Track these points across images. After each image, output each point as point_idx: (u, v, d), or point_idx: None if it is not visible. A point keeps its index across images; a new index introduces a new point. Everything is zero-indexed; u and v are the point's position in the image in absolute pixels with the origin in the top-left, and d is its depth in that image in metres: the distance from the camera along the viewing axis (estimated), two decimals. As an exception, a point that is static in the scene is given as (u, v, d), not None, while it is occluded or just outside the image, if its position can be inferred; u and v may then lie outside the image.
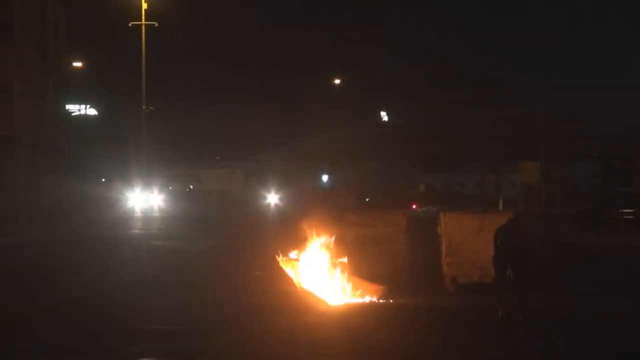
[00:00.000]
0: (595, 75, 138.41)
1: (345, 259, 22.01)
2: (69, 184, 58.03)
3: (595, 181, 72.53)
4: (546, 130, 78.07)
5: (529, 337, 16.66)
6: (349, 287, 21.30)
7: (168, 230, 45.52)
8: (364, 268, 21.91)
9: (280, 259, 22.24)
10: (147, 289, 22.51)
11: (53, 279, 24.84)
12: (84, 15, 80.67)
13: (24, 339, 16.32)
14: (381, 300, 20.71)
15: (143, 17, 67.12)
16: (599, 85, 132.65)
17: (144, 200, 67.54)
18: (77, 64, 69.31)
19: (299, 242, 22.35)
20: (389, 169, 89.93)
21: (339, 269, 21.72)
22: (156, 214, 63.20)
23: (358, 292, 21.15)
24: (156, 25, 67.25)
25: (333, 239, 22.25)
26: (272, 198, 72.97)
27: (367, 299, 20.90)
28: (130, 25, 67.57)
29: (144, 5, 67.06)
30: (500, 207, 65.25)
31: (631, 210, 46.55)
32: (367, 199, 66.95)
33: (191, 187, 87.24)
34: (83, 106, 75.09)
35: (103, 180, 75.72)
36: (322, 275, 21.73)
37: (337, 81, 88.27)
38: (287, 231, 24.07)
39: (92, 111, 78.42)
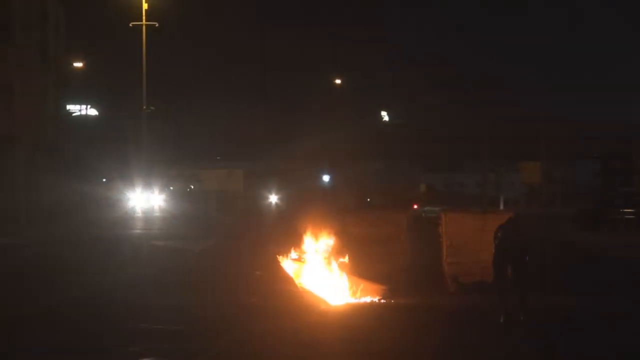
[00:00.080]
0: (595, 75, 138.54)
1: (346, 259, 21.98)
2: (69, 184, 58.06)
3: (595, 181, 72.42)
4: (546, 130, 78.15)
5: (529, 337, 16.65)
6: (349, 287, 21.29)
7: (169, 230, 45.56)
8: (364, 268, 21.88)
9: (281, 259, 22.22)
10: (147, 289, 22.49)
11: (53, 279, 24.84)
12: (84, 15, 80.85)
13: (24, 339, 16.32)
14: (382, 300, 20.69)
15: (144, 17, 67.20)
16: (599, 85, 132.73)
17: (144, 200, 67.61)
18: (78, 64, 69.39)
19: (299, 242, 22.33)
20: (389, 169, 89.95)
21: (339, 269, 21.70)
22: (157, 214, 63.25)
23: (359, 292, 21.13)
24: (157, 25, 67.34)
25: (334, 238, 22.24)
26: (273, 198, 73.02)
27: (368, 298, 20.87)
28: (130, 25, 67.65)
29: (145, 6, 67.14)
30: (501, 207, 65.27)
31: (631, 210, 46.57)
32: (368, 199, 66.90)
33: (192, 187, 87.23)
34: (83, 106, 75.16)
35: (104, 180, 75.81)
36: (323, 275, 21.71)
37: (337, 81, 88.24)
38: (287, 231, 24.04)
39: (92, 111, 78.49)
